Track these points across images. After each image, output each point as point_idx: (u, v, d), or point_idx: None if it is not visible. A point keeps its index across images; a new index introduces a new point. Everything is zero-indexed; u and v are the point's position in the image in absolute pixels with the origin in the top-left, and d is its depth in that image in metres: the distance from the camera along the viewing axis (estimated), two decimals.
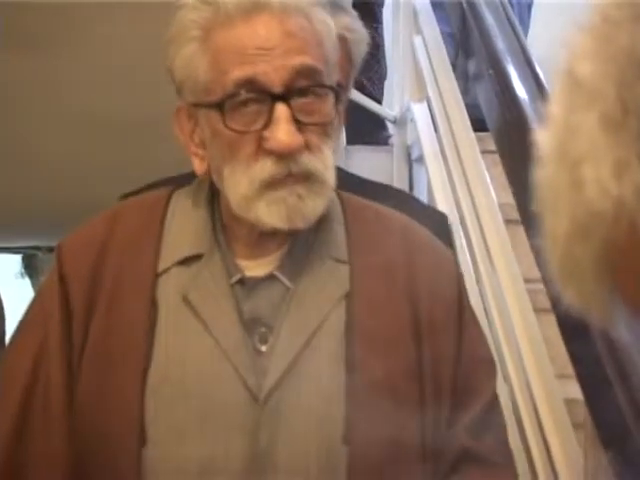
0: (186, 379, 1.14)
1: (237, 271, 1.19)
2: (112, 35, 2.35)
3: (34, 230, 5.52)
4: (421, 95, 2.84)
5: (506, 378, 1.86)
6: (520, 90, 1.76)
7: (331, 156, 1.17)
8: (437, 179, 2.51)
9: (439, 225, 1.72)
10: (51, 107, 2.86)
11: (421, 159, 2.75)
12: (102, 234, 1.23)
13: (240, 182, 1.14)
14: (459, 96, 2.52)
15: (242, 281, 1.19)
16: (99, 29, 2.28)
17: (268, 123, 1.12)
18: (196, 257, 1.19)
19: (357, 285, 1.20)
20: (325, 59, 1.17)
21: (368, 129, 3.18)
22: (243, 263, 1.20)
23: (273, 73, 1.11)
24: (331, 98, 1.16)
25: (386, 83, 3.36)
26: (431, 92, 2.66)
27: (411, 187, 2.92)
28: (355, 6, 1.74)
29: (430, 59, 2.72)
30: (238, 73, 1.11)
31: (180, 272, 1.19)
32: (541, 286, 1.57)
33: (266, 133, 1.12)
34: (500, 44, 1.93)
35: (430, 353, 1.20)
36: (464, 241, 2.24)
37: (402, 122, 3.05)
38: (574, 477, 1.61)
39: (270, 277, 1.19)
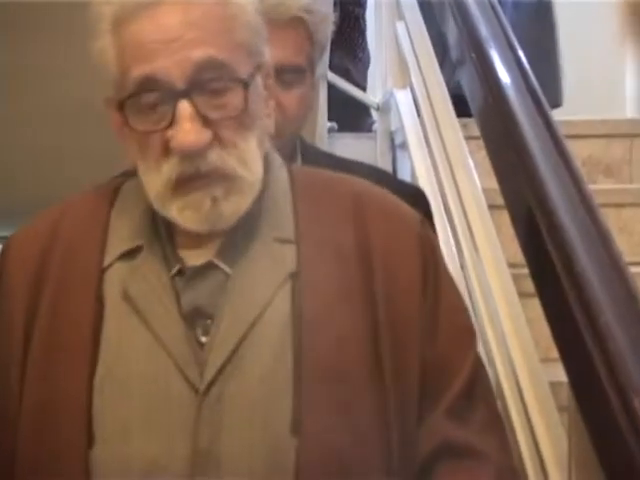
0: (129, 377, 1.10)
1: (177, 262, 1.14)
2: None
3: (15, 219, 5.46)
4: (404, 81, 2.84)
5: (490, 362, 1.87)
6: (503, 74, 1.76)
7: (253, 148, 1.12)
8: (421, 165, 2.51)
9: (414, 199, 1.66)
10: (36, 95, 2.84)
11: (404, 145, 2.76)
12: (47, 230, 1.20)
13: (152, 181, 1.11)
14: (442, 81, 2.52)
15: (182, 272, 1.14)
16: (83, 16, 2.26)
17: (172, 122, 1.07)
18: (136, 250, 1.15)
19: (304, 265, 1.14)
20: (236, 46, 1.11)
21: (352, 115, 3.18)
22: (184, 253, 1.15)
23: (173, 68, 1.06)
24: (240, 90, 1.10)
25: (369, 69, 3.36)
26: (414, 78, 2.66)
27: (394, 173, 2.93)
28: None
29: (413, 45, 2.72)
30: (137, 71, 1.07)
31: (122, 266, 1.15)
32: (525, 271, 1.57)
33: (170, 132, 1.08)
34: (483, 29, 1.93)
35: (390, 333, 1.13)
36: (448, 227, 2.25)
37: (385, 109, 3.05)
38: (558, 459, 1.62)
39: (209, 265, 1.14)
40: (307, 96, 1.67)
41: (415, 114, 2.67)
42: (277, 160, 1.24)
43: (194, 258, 1.14)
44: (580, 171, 1.54)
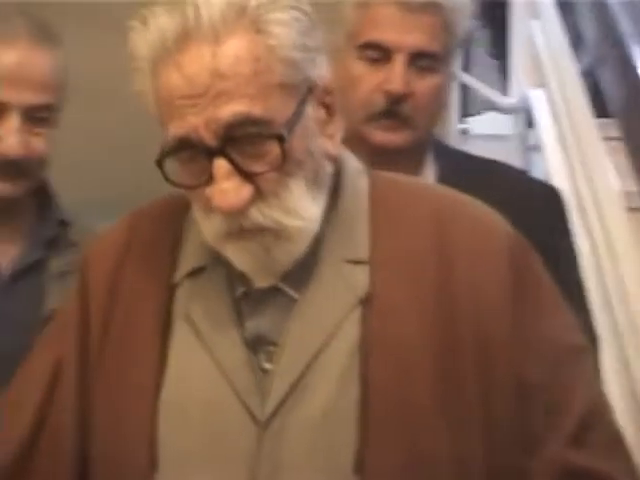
0: (190, 403, 1.07)
1: (241, 283, 1.08)
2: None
3: None
4: (539, 81, 2.78)
5: (629, 371, 1.81)
6: None
7: (299, 193, 1.04)
8: (556, 166, 2.45)
9: (547, 199, 1.62)
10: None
11: (537, 147, 2.70)
12: (123, 237, 1.17)
13: (203, 225, 1.06)
14: (579, 81, 2.46)
15: (246, 294, 1.08)
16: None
17: (210, 179, 1.01)
18: (202, 268, 1.11)
19: (377, 288, 1.06)
20: (273, 89, 1.01)
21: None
22: (251, 273, 1.08)
23: (204, 128, 0.99)
24: (277, 144, 1.00)
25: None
26: (550, 78, 2.60)
27: None
28: None
29: (549, 44, 2.67)
30: (171, 130, 1.01)
31: (189, 285, 1.11)
32: None
33: (209, 190, 1.02)
34: (625, 26, 1.88)
35: (475, 357, 1.04)
36: (584, 230, 2.19)
37: (518, 109, 3.00)
38: None
39: (275, 288, 1.07)
40: (441, 87, 1.61)
41: (550, 115, 2.62)
42: (355, 167, 1.15)
43: (260, 279, 1.07)
44: None
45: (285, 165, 1.01)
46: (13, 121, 1.50)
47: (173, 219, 1.16)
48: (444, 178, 1.62)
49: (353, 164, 1.15)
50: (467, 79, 2.99)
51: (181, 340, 1.09)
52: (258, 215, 1.02)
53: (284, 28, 1.02)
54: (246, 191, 1.01)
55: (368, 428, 1.02)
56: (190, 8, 0.99)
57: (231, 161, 1.00)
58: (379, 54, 1.60)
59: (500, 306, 1.07)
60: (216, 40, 0.99)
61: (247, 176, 1.01)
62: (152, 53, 1.01)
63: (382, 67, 1.59)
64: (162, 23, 1.00)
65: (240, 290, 1.08)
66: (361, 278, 1.07)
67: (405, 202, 1.13)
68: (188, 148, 1.01)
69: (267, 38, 1.01)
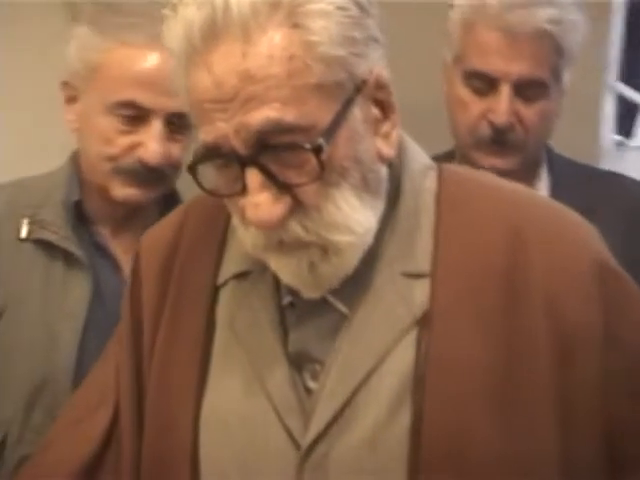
0: (229, 416, 1.00)
1: (289, 292, 1.01)
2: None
3: None
4: None
5: None
6: None
7: (345, 203, 0.93)
8: None
9: None
10: None
11: None
12: (171, 237, 1.12)
13: (241, 235, 0.98)
14: None
15: (293, 304, 1.01)
16: None
17: (244, 189, 0.92)
18: (248, 272, 1.04)
19: (437, 306, 0.96)
20: (310, 90, 0.90)
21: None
22: (296, 287, 1.00)
23: (233, 136, 0.90)
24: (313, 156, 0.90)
25: None
26: None
27: None
28: None
29: None
30: (203, 136, 0.93)
31: (234, 288, 1.05)
32: None
33: (243, 201, 0.93)
34: None
35: (552, 393, 0.93)
36: None
37: None
38: None
39: (323, 301, 0.99)
40: (550, 109, 1.59)
41: None
42: (421, 165, 1.04)
43: (307, 292, 0.99)
44: None
45: (326, 175, 0.91)
46: (155, 128, 1.47)
47: (223, 214, 1.07)
48: (558, 189, 1.58)
49: (419, 161, 1.05)
50: (625, 89, 2.82)
51: (223, 347, 1.03)
52: (299, 229, 0.93)
53: (325, 21, 0.90)
54: (282, 205, 0.91)
55: (419, 460, 0.92)
56: None
57: (265, 171, 0.91)
58: (484, 84, 1.55)
59: (585, 334, 0.96)
60: (246, 38, 0.88)
61: (284, 187, 0.91)
62: (180, 49, 0.92)
63: (488, 96, 1.56)
64: (190, 15, 0.90)
65: (287, 299, 1.01)
66: (420, 294, 0.98)
67: (479, 207, 1.01)
68: (219, 156, 0.92)
69: (304, 33, 0.90)
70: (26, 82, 2.31)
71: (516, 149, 1.57)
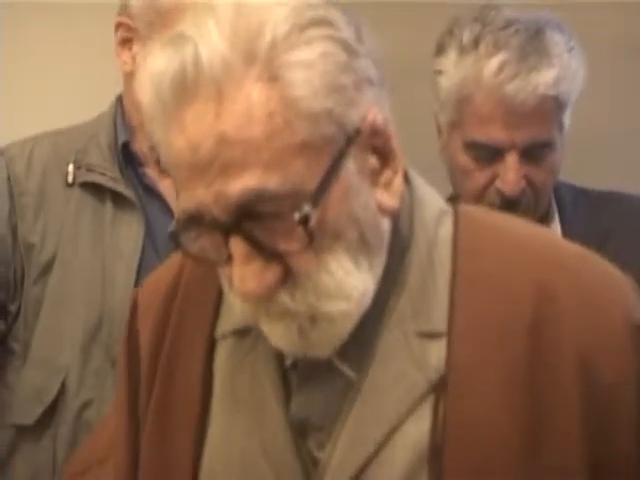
0: None
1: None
2: None
3: None
4: None
5: None
6: None
7: (338, 268, 0.85)
8: None
9: None
10: None
11: None
12: (170, 281, 1.04)
13: (232, 302, 0.90)
14: None
15: (296, 365, 0.93)
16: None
17: (230, 257, 0.84)
18: (248, 329, 0.95)
19: (455, 369, 0.87)
20: (295, 150, 0.80)
21: None
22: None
23: (213, 205, 0.81)
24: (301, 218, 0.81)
25: None
26: None
27: None
28: None
29: None
30: (181, 203, 0.84)
31: (233, 344, 0.97)
32: None
33: (229, 270, 0.85)
34: None
35: (584, 462, 0.86)
36: None
37: None
38: None
39: (328, 362, 0.90)
40: (558, 160, 1.52)
41: None
42: (435, 210, 0.95)
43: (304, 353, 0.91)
44: None
45: (317, 241, 0.82)
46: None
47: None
48: (571, 222, 1.56)
49: (432, 205, 0.95)
50: None
51: (222, 409, 0.96)
52: (287, 300, 0.85)
53: (307, 72, 0.80)
54: (271, 275, 0.83)
55: None
56: (189, 47, 0.80)
57: (250, 239, 0.82)
58: (487, 153, 1.48)
59: (623, 389, 0.88)
60: (220, 95, 0.79)
61: (272, 255, 0.83)
62: (151, 104, 0.83)
63: (492, 164, 1.48)
64: (158, 68, 0.82)
65: (289, 360, 0.93)
66: (435, 356, 0.89)
67: (500, 256, 0.92)
68: (201, 224, 0.84)
69: (284, 88, 0.80)
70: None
71: (528, 210, 1.49)
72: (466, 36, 1.48)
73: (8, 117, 2.22)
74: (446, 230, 0.93)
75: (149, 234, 1.58)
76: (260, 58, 0.80)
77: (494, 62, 1.43)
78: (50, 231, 1.59)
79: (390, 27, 1.92)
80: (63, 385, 1.56)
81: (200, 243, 0.86)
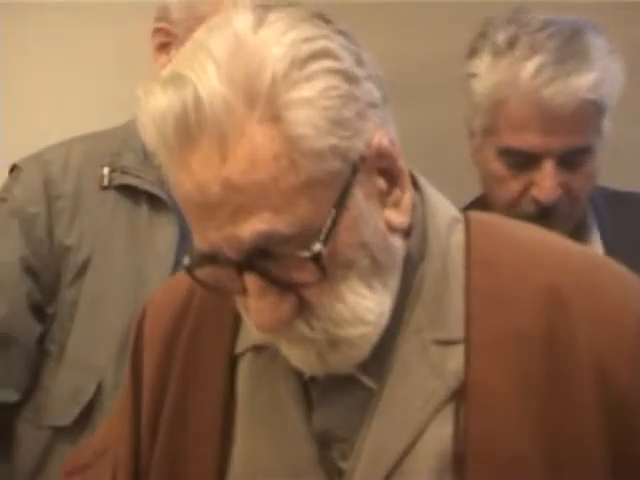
0: None
1: None
2: None
3: None
4: None
5: None
6: None
7: (352, 295, 0.85)
8: None
9: None
10: None
11: None
12: (182, 296, 1.03)
13: (249, 325, 0.91)
14: None
15: (314, 378, 0.93)
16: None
17: (245, 290, 0.84)
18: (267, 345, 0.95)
19: (475, 376, 0.88)
20: (301, 190, 0.80)
21: None
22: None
23: (226, 246, 0.82)
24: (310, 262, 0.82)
25: None
26: None
27: None
28: None
29: None
30: (196, 241, 0.85)
31: (253, 360, 0.97)
32: None
33: (245, 301, 0.86)
34: None
35: (610, 466, 0.86)
36: None
37: None
38: None
39: (348, 375, 0.91)
40: (596, 166, 1.47)
41: None
42: (447, 219, 0.95)
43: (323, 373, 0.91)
44: None
45: (330, 272, 0.83)
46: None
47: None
48: (610, 230, 1.51)
49: (445, 213, 0.96)
50: None
51: (245, 426, 0.96)
52: (305, 329, 0.85)
53: (309, 110, 0.80)
54: (287, 305, 0.84)
55: None
56: (189, 88, 0.79)
57: (264, 275, 0.83)
58: (523, 159, 1.43)
59: (638, 394, 0.87)
60: (223, 140, 0.78)
61: (286, 287, 0.83)
62: (156, 144, 0.82)
63: (528, 170, 1.44)
64: (160, 109, 0.80)
65: (309, 373, 0.92)
66: (454, 363, 0.89)
67: (511, 263, 0.92)
68: (216, 262, 0.84)
69: (287, 127, 0.79)
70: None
71: (565, 220, 1.46)
72: (501, 38, 1.44)
73: (8, 117, 2.23)
74: (458, 238, 0.94)
75: (184, 235, 1.59)
76: (261, 98, 0.79)
77: (531, 65, 1.39)
78: (86, 234, 1.60)
79: (391, 27, 1.95)
80: (99, 386, 1.57)
81: (215, 275, 0.86)
